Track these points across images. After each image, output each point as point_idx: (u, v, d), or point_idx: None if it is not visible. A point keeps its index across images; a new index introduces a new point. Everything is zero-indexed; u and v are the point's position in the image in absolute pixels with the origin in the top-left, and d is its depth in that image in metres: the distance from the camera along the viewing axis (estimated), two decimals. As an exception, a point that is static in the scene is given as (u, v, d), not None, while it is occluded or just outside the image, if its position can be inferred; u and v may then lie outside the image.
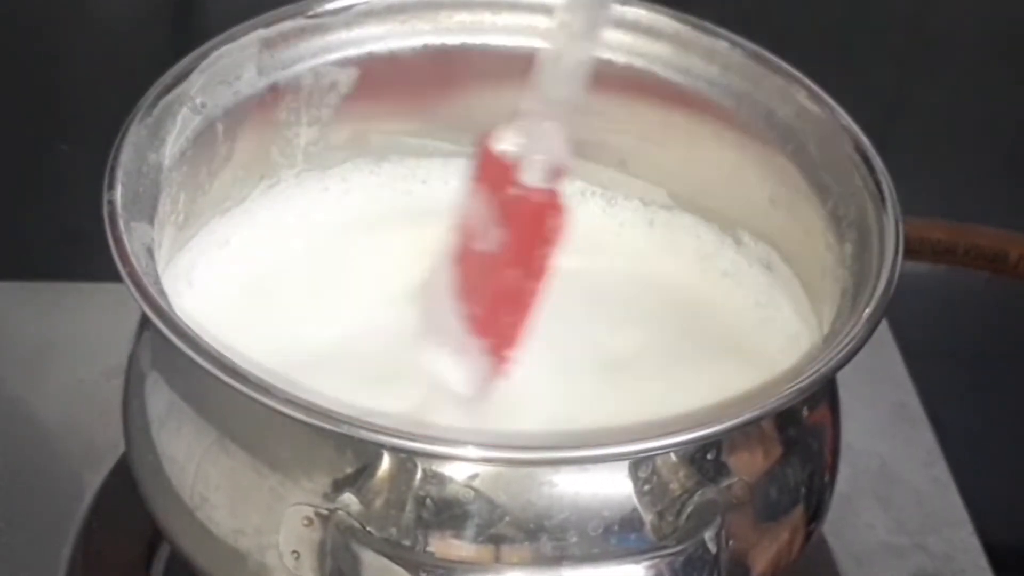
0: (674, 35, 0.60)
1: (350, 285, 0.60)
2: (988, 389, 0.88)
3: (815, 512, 0.53)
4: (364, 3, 0.59)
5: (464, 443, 0.45)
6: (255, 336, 0.55)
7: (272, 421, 0.46)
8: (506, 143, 0.53)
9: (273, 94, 0.58)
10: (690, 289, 0.62)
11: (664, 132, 0.61)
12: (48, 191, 0.82)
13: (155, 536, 0.61)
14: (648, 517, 0.47)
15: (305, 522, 0.47)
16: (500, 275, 0.53)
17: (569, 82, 0.51)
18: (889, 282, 0.51)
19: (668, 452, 0.47)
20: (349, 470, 0.47)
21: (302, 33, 0.59)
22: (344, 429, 0.45)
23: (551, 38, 0.52)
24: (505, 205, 0.52)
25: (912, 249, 0.78)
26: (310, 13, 0.59)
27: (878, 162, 0.55)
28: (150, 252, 0.50)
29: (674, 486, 0.48)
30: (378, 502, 0.47)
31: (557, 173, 0.52)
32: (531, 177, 0.52)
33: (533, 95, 0.52)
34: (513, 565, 0.47)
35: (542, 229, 0.52)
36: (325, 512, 0.47)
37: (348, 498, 0.47)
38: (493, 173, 0.53)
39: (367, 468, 0.47)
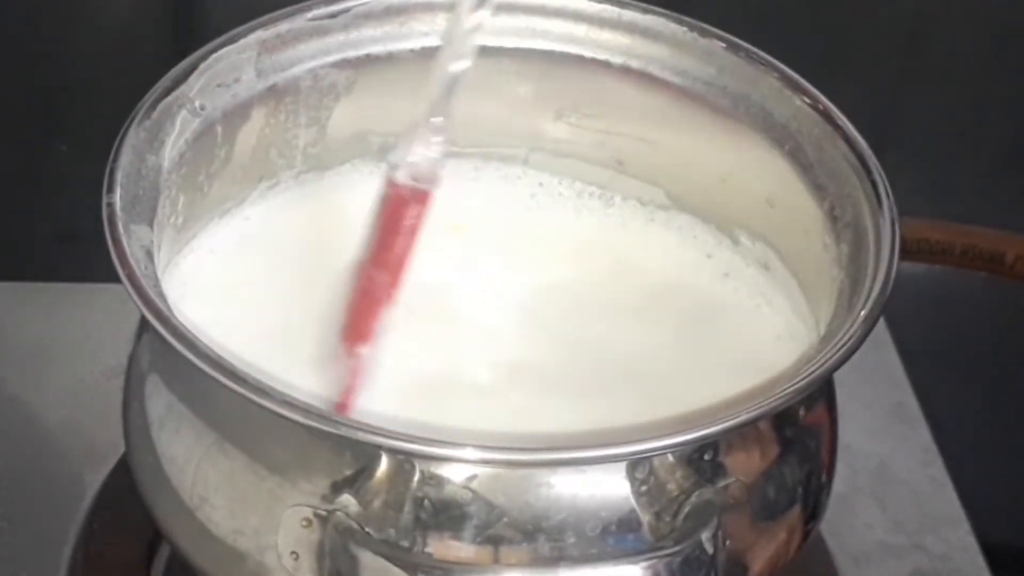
0: (671, 36, 0.60)
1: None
2: (985, 389, 0.88)
3: (812, 512, 0.53)
4: (362, 5, 0.59)
5: (462, 445, 0.46)
6: (255, 338, 0.55)
7: (270, 423, 0.46)
8: (394, 153, 0.53)
9: (272, 96, 0.58)
10: (687, 289, 0.62)
11: (661, 133, 0.61)
12: (48, 192, 0.82)
13: (155, 536, 0.61)
14: (645, 518, 0.47)
15: (304, 523, 0.47)
16: (364, 274, 0.54)
17: (443, 90, 0.52)
18: (886, 282, 0.51)
19: (665, 453, 0.47)
20: (347, 471, 0.47)
21: (300, 35, 0.59)
22: (342, 431, 0.45)
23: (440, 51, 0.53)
24: (381, 207, 0.53)
25: (909, 250, 0.79)
26: (308, 15, 0.59)
27: (875, 163, 0.55)
28: (149, 254, 0.51)
29: (671, 487, 0.48)
30: (376, 503, 0.47)
31: (427, 171, 0.53)
32: (402, 176, 0.53)
33: (420, 103, 0.53)
34: (511, 566, 0.47)
35: (398, 221, 0.53)
36: (324, 513, 0.47)
37: (346, 499, 0.47)
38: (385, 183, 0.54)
39: (365, 469, 0.47)
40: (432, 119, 0.52)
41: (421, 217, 0.53)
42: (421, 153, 0.53)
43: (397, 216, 0.53)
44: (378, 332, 0.53)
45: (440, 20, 0.60)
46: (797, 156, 0.58)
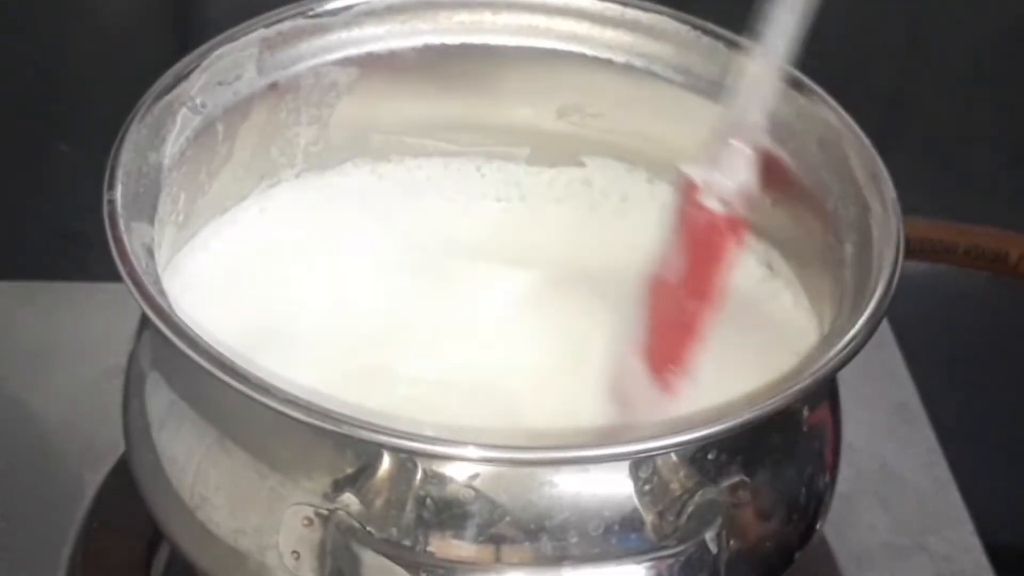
0: (674, 35, 0.60)
1: (351, 286, 0.60)
2: (989, 389, 0.88)
3: (816, 512, 0.53)
4: (364, 3, 0.59)
5: (464, 443, 0.45)
6: (255, 336, 0.55)
7: (272, 421, 0.46)
8: (696, 166, 0.52)
9: (273, 94, 0.58)
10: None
11: (664, 132, 0.61)
12: (48, 191, 0.82)
13: (155, 536, 0.61)
14: (649, 517, 0.47)
15: (305, 522, 0.47)
16: (673, 298, 0.53)
17: (759, 105, 0.52)
18: (890, 282, 0.51)
19: (669, 452, 0.47)
20: (349, 470, 0.47)
21: (302, 33, 0.59)
22: (344, 429, 0.45)
23: (748, 64, 0.52)
24: (686, 227, 0.52)
25: (912, 249, 0.79)
26: (310, 13, 0.59)
27: (879, 162, 0.55)
28: (150, 252, 0.50)
29: (675, 486, 0.48)
30: (378, 502, 0.47)
31: (740, 197, 0.52)
32: (711, 200, 0.52)
33: (724, 118, 0.52)
34: (513, 565, 0.47)
35: (713, 251, 0.52)
36: (325, 512, 0.47)
37: (348, 498, 0.47)
38: (684, 196, 0.53)
39: (367, 468, 0.47)
40: (739, 134, 0.52)
41: (739, 247, 0.52)
42: (730, 174, 0.52)
43: (712, 245, 0.52)
44: (690, 360, 0.52)
45: (442, 18, 0.60)
46: (801, 155, 0.58)
